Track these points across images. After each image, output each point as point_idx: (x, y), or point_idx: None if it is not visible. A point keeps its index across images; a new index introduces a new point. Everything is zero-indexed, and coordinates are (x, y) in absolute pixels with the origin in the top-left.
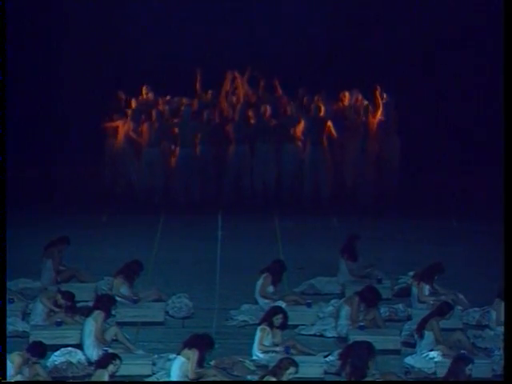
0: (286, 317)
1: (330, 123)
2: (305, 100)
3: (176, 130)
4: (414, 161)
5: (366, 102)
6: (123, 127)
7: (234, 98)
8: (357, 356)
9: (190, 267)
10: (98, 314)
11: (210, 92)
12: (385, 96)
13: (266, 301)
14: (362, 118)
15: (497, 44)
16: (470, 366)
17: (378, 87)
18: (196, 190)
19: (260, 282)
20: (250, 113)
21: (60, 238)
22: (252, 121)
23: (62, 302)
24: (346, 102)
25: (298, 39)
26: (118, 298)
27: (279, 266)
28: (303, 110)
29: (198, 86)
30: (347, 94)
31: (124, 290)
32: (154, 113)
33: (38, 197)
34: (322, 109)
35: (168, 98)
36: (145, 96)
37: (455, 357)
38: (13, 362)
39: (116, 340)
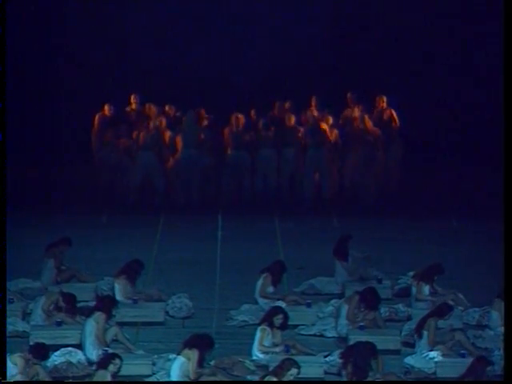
0: (286, 317)
1: (330, 128)
2: (309, 112)
3: (170, 136)
4: (414, 161)
5: (364, 113)
6: (123, 141)
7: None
8: (360, 356)
9: (189, 267)
10: (99, 316)
11: (209, 117)
12: (385, 99)
13: (266, 301)
14: (362, 122)
15: (497, 44)
16: (490, 368)
17: (379, 90)
18: (196, 191)
19: (260, 282)
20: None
21: (62, 239)
22: (252, 132)
23: (62, 304)
24: (348, 107)
25: (297, 43)
26: (120, 299)
27: (279, 267)
28: (303, 115)
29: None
30: (349, 97)
31: (128, 290)
32: (152, 122)
33: (37, 197)
34: (323, 114)
35: (167, 108)
36: (134, 106)
37: (477, 356)
38: (16, 363)
39: (116, 340)
